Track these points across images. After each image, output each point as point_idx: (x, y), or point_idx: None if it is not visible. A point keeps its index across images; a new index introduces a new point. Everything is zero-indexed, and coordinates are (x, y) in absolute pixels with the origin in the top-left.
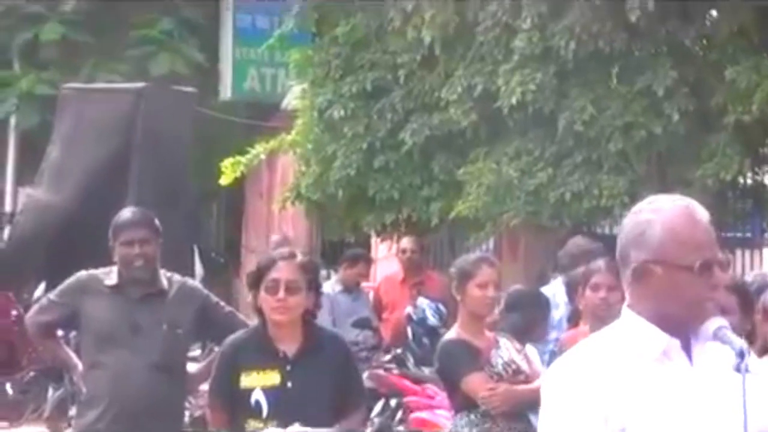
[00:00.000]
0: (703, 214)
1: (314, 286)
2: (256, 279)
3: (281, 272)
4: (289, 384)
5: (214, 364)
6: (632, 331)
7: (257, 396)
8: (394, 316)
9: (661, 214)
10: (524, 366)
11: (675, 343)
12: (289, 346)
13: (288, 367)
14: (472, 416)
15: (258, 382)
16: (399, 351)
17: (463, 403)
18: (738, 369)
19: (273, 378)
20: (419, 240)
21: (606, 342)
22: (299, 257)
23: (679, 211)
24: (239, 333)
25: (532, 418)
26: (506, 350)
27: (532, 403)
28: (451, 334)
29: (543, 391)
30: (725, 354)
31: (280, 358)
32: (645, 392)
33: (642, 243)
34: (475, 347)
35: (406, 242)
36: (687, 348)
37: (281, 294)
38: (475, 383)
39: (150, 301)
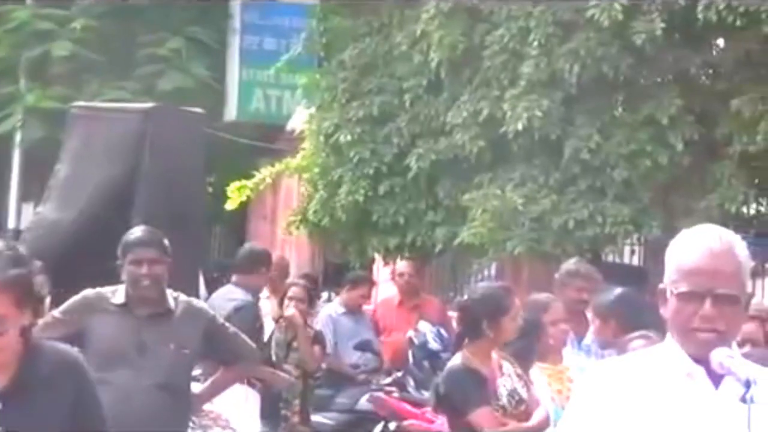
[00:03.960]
0: (720, 245)
1: (29, 299)
2: None
3: None
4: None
5: None
6: (663, 352)
7: None
8: (392, 339)
9: (679, 241)
10: (524, 394)
11: (699, 369)
12: (0, 378)
13: None
14: None
15: None
16: (400, 374)
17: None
18: (743, 400)
19: None
20: (416, 264)
21: (641, 360)
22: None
23: (692, 239)
24: None
25: None
26: (509, 378)
27: None
28: (457, 359)
29: (573, 389)
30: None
31: None
32: (658, 409)
33: (665, 268)
34: (481, 376)
35: (403, 266)
36: (718, 375)
37: None
38: (483, 418)
39: (157, 321)
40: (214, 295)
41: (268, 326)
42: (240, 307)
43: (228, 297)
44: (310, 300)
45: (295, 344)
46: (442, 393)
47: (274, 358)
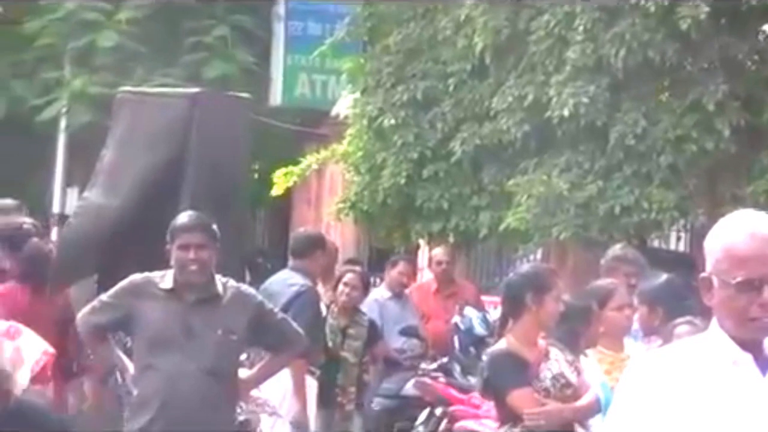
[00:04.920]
0: (766, 229)
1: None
2: None
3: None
4: None
5: None
6: (709, 340)
7: None
8: (431, 326)
9: (724, 227)
10: (573, 379)
11: (747, 356)
12: None
13: None
14: (517, 430)
15: None
16: (445, 360)
17: (509, 416)
18: None
19: None
20: (452, 250)
21: (687, 348)
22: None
23: (740, 226)
24: None
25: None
26: (556, 362)
27: (578, 422)
28: (501, 344)
29: (619, 382)
30: None
31: None
32: (706, 398)
33: (708, 255)
34: (524, 360)
35: (441, 254)
36: (765, 362)
37: None
38: (521, 399)
39: (204, 306)
40: (272, 279)
41: None
42: (301, 293)
43: (288, 282)
44: (364, 287)
45: (350, 331)
46: (486, 377)
47: (330, 344)
